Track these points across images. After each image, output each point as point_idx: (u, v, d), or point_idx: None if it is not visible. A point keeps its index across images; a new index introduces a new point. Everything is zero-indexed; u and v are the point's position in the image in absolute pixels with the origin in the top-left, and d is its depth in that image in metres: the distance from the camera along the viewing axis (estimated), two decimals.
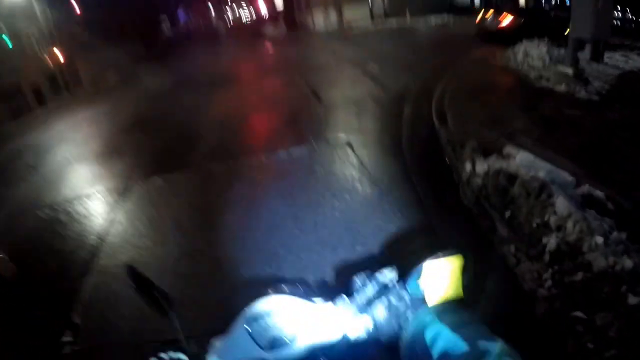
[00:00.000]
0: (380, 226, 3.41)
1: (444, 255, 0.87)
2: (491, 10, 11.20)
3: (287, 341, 0.87)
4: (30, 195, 4.99)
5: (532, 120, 5.07)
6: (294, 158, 5.07)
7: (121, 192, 4.72)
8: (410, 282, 0.88)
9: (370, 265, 0.97)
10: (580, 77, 6.40)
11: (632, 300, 2.38)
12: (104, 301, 3.01)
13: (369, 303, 0.89)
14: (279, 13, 24.09)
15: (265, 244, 3.37)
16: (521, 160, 3.72)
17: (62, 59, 11.49)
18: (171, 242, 3.66)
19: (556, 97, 5.96)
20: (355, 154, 4.94)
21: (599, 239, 2.67)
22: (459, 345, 0.71)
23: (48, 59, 11.25)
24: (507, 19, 10.60)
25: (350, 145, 5.20)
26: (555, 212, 2.97)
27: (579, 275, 2.58)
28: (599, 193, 3.31)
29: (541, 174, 3.36)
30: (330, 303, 0.92)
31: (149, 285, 0.93)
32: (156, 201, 4.48)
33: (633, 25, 9.43)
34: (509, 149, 4.05)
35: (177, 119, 7.44)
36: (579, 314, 2.40)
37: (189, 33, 25.61)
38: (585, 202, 3.17)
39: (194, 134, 6.40)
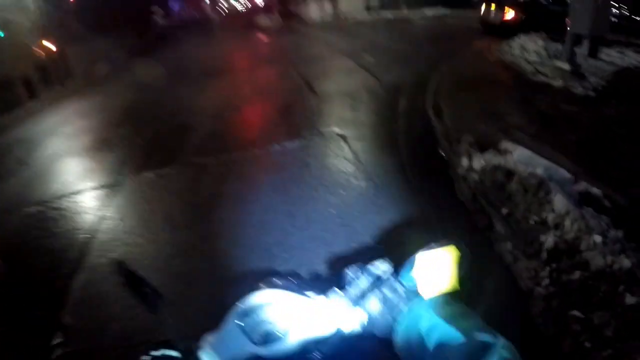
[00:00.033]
0: (374, 221, 3.36)
1: (438, 247, 0.86)
2: (494, 4, 11.24)
3: (280, 335, 0.85)
4: (19, 191, 4.87)
5: (529, 115, 5.05)
6: (287, 151, 4.99)
7: (112, 187, 4.62)
8: (403, 274, 0.87)
9: (363, 258, 0.94)
10: (576, 72, 6.38)
11: (629, 299, 2.37)
12: (95, 300, 2.93)
13: (362, 296, 0.87)
14: (273, 3, 23.90)
15: (258, 240, 3.31)
16: (519, 156, 3.68)
17: (53, 50, 11.28)
18: (162, 238, 3.58)
19: (553, 92, 5.94)
20: (349, 147, 4.88)
21: (597, 238, 2.65)
22: (455, 336, 0.70)
23: (40, 50, 11.05)
24: (510, 13, 10.73)
25: (344, 138, 5.14)
26: (553, 210, 2.94)
27: (577, 274, 2.56)
28: (596, 190, 3.29)
29: (539, 171, 3.33)
30: (323, 296, 0.90)
31: (139, 281, 0.89)
32: (147, 196, 4.39)
33: (629, 22, 9.47)
34: (506, 145, 4.01)
35: (169, 111, 7.31)
36: (576, 313, 2.39)
37: (182, 23, 25.30)
38: (582, 200, 3.14)
39: (187, 127, 6.29)
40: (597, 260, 2.56)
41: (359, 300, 0.87)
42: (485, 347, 0.66)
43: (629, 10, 9.49)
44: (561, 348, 2.32)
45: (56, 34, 11.59)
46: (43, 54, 11.03)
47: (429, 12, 17.72)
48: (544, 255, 2.75)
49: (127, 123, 6.93)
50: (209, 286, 2.81)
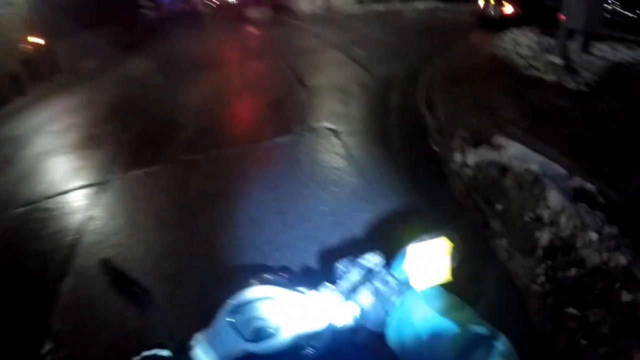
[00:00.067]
0: (366, 219, 3.31)
1: (429, 238, 0.84)
2: None
3: (272, 331, 0.84)
4: (7, 191, 4.75)
5: (522, 110, 5.02)
6: (277, 147, 4.92)
7: (100, 185, 4.52)
8: (395, 267, 0.86)
9: (355, 253, 0.93)
10: (569, 67, 6.38)
11: (625, 297, 2.35)
12: (84, 304, 2.87)
13: (354, 289, 0.86)
14: None
15: (249, 239, 3.25)
16: (513, 151, 3.64)
17: (41, 45, 11.07)
18: (152, 237, 3.50)
19: (546, 86, 5.92)
20: (341, 142, 4.82)
21: (593, 235, 2.62)
22: (449, 327, 0.69)
23: (27, 45, 10.83)
24: (509, 7, 10.84)
25: (335, 133, 5.08)
26: (548, 206, 2.91)
27: (573, 271, 2.54)
28: (590, 186, 3.26)
29: (534, 167, 3.29)
30: (314, 291, 0.88)
31: (128, 280, 0.87)
32: (136, 194, 4.30)
33: (620, 17, 9.52)
34: (500, 140, 3.98)
35: (158, 106, 7.19)
36: (572, 310, 2.38)
37: (172, 16, 24.93)
38: (577, 196, 3.12)
39: (176, 122, 6.19)
40: (593, 258, 2.54)
41: (350, 293, 0.86)
42: (480, 339, 0.65)
43: (620, 5, 9.54)
44: (557, 345, 2.30)
45: (44, 29, 11.37)
46: (31, 49, 10.83)
47: (421, 5, 17.60)
48: (540, 252, 2.72)
49: (116, 119, 6.83)
50: (199, 286, 2.77)
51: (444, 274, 0.85)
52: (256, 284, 0.88)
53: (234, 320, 0.84)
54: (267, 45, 12.48)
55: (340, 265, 0.91)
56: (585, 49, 6.92)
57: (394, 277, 0.86)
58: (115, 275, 0.87)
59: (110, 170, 4.88)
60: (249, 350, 0.82)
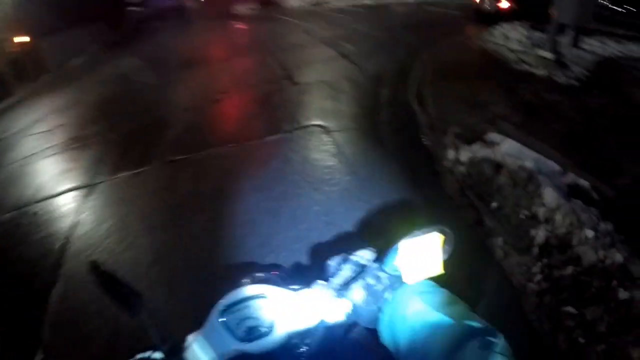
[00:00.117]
0: (360, 218, 3.27)
1: (421, 234, 0.85)
2: None
3: (265, 330, 0.84)
4: None
5: (514, 105, 5.01)
6: (268, 146, 4.84)
7: (88, 188, 4.42)
8: (387, 262, 0.86)
9: (346, 249, 0.93)
10: (559, 61, 6.39)
11: (622, 294, 2.35)
12: (75, 312, 2.81)
13: (346, 286, 0.87)
14: None
15: (241, 241, 3.19)
16: (507, 148, 3.62)
17: (27, 44, 10.85)
18: (141, 241, 3.43)
19: (537, 81, 5.93)
20: (332, 140, 4.75)
21: (589, 233, 2.61)
22: (443, 321, 0.69)
23: (13, 44, 10.62)
24: (505, 2, 10.90)
25: (326, 131, 5.00)
26: (543, 204, 2.89)
27: (569, 269, 2.53)
28: (583, 182, 3.26)
29: (528, 164, 3.27)
30: (306, 289, 0.89)
31: (118, 284, 0.86)
32: (124, 197, 4.20)
33: (608, 12, 9.62)
34: (493, 136, 3.96)
35: (145, 105, 7.05)
36: (569, 308, 2.37)
37: (159, 12, 24.60)
38: (571, 192, 3.11)
39: (164, 121, 6.07)
40: (589, 255, 2.53)
41: (342, 290, 0.86)
42: (473, 332, 0.65)
43: (608, 0, 9.66)
44: (555, 344, 2.29)
45: (29, 27, 11.15)
46: (17, 48, 10.62)
47: None
48: (536, 250, 2.70)
49: (103, 119, 6.69)
50: (191, 288, 2.73)
51: (437, 268, 0.85)
52: (248, 283, 0.89)
53: (226, 320, 0.84)
54: (256, 42, 12.34)
55: (332, 262, 0.92)
56: (575, 43, 6.94)
57: (386, 272, 0.86)
58: (106, 280, 0.86)
59: (99, 172, 4.78)
60: (242, 349, 0.82)
